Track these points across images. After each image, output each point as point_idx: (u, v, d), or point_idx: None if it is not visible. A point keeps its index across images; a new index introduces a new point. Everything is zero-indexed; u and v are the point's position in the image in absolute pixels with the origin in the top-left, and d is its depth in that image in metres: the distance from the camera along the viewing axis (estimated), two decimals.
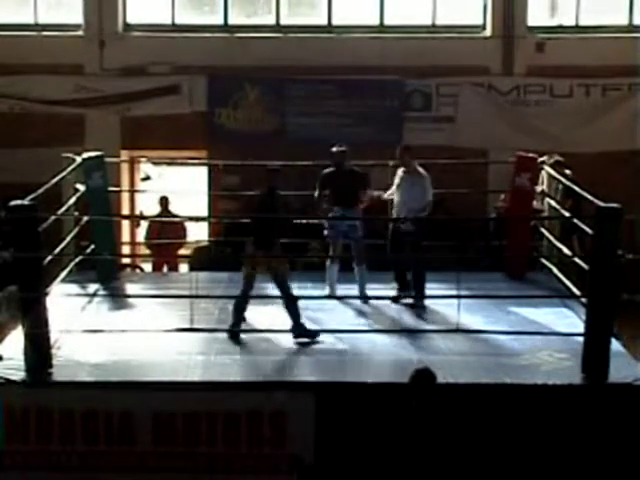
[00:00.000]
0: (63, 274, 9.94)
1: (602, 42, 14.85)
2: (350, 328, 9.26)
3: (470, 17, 15.31)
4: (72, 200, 10.25)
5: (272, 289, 10.55)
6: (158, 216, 13.91)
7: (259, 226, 9.21)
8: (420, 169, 10.15)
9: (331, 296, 10.18)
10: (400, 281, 10.21)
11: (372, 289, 10.21)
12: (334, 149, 10.35)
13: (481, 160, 14.49)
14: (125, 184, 14.93)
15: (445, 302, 9.35)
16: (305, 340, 8.96)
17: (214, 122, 15.17)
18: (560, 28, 15.34)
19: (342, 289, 10.27)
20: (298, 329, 9.01)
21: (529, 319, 9.61)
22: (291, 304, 9.09)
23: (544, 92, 15.10)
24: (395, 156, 10.23)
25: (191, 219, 14.45)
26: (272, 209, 9.18)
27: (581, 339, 8.35)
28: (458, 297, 8.99)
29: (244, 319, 9.25)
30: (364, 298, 10.11)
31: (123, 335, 8.92)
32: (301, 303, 9.85)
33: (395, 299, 10.07)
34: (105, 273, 10.86)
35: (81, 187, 10.47)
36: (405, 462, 7.15)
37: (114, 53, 15.06)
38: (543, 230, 11.05)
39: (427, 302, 9.80)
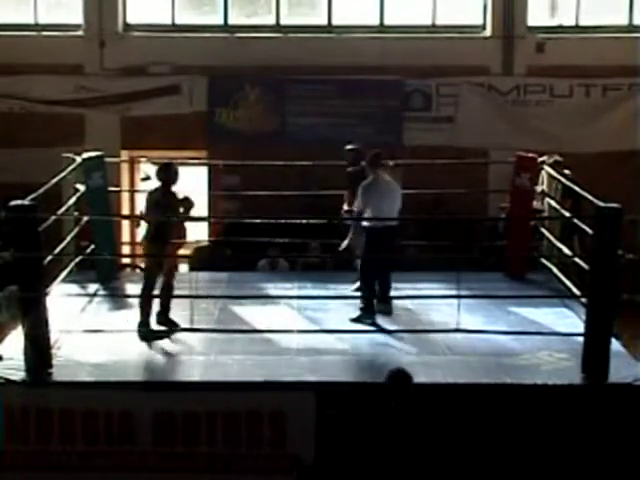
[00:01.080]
0: (63, 274, 9.94)
1: (602, 42, 14.83)
2: (350, 328, 9.25)
3: (470, 17, 15.29)
4: (72, 200, 10.25)
5: (272, 289, 10.62)
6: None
7: (153, 224, 9.13)
8: (386, 176, 9.76)
9: (331, 296, 10.16)
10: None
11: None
12: (347, 147, 10.29)
13: (481, 160, 14.48)
14: (125, 184, 14.92)
15: (445, 302, 9.34)
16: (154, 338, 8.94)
17: (214, 122, 15.16)
18: (560, 28, 15.32)
19: (342, 289, 10.27)
20: (143, 325, 9.03)
21: (529, 319, 9.61)
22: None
23: (544, 92, 15.09)
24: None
25: (191, 219, 14.40)
26: (167, 206, 9.03)
27: (581, 339, 8.35)
28: (458, 297, 8.99)
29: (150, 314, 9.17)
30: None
31: (123, 335, 8.93)
32: (301, 303, 9.88)
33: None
34: (105, 273, 10.86)
35: (81, 187, 10.47)
36: (399, 463, 7.16)
37: (114, 53, 15.04)
38: (543, 230, 11.04)
39: (427, 302, 9.77)
